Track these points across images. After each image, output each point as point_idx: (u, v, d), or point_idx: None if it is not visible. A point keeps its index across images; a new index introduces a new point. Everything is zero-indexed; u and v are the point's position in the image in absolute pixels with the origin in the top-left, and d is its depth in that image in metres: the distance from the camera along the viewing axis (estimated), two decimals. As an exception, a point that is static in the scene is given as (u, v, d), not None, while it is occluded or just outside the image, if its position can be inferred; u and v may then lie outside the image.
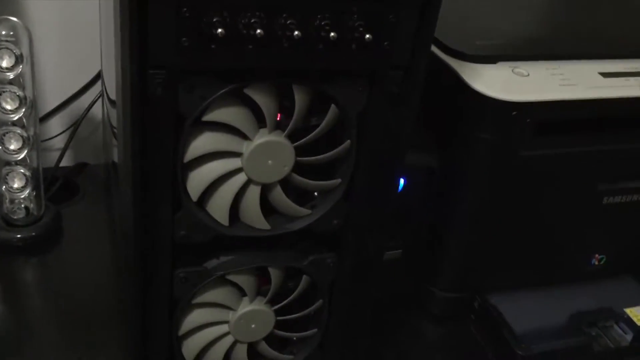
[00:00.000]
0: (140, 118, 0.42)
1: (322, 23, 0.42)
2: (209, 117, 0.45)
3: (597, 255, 0.75)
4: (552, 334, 0.70)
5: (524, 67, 0.64)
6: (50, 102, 0.92)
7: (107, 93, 0.69)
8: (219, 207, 0.49)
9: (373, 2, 0.43)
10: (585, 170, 0.67)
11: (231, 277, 0.53)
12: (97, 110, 0.93)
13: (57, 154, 0.91)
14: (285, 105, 0.47)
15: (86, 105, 0.92)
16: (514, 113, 0.61)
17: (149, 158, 0.45)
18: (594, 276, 0.77)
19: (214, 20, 0.40)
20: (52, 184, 0.85)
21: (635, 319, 0.72)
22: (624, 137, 0.67)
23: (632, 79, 0.66)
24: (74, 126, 0.90)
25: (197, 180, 0.48)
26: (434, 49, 0.67)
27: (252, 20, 0.41)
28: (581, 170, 0.67)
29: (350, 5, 0.42)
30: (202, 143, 0.46)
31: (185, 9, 0.39)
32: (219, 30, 0.40)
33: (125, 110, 0.42)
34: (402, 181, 0.66)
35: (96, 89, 0.93)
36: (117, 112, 0.49)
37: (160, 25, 0.39)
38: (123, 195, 0.53)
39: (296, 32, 0.41)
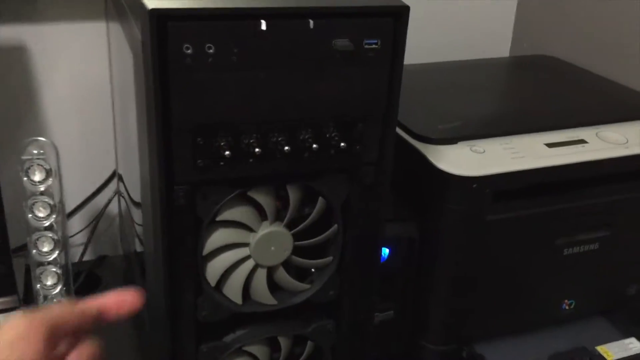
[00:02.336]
0: (168, 224, 0.53)
1: (306, 137, 0.53)
2: (221, 217, 0.56)
3: (566, 301, 0.84)
4: (533, 375, 0.79)
5: (480, 144, 0.76)
6: (70, 202, 1.02)
7: (128, 193, 0.80)
8: (233, 289, 0.59)
9: (344, 117, 0.54)
10: (544, 227, 0.78)
11: (247, 348, 0.62)
12: (112, 206, 1.03)
13: (77, 249, 1.01)
14: (282, 197, 0.58)
15: (102, 202, 1.03)
16: (474, 185, 0.72)
17: (175, 255, 0.55)
18: (567, 319, 0.86)
19: (222, 144, 0.51)
20: (77, 277, 0.95)
21: (606, 356, 0.80)
22: (572, 197, 0.78)
23: (572, 147, 0.78)
24: (94, 222, 1.01)
25: (214, 268, 0.58)
26: (403, 134, 0.79)
27: (251, 141, 0.52)
28: (540, 227, 0.77)
29: (327, 121, 0.54)
30: (217, 238, 0.57)
31: (199, 138, 0.50)
32: (226, 152, 0.51)
33: (155, 219, 0.53)
34: (387, 250, 0.76)
35: (111, 186, 1.04)
36: (145, 218, 0.59)
37: (182, 152, 0.51)
38: (151, 285, 0.63)
39: (286, 148, 0.52)
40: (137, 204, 0.70)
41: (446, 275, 0.78)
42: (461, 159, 0.73)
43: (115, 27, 0.73)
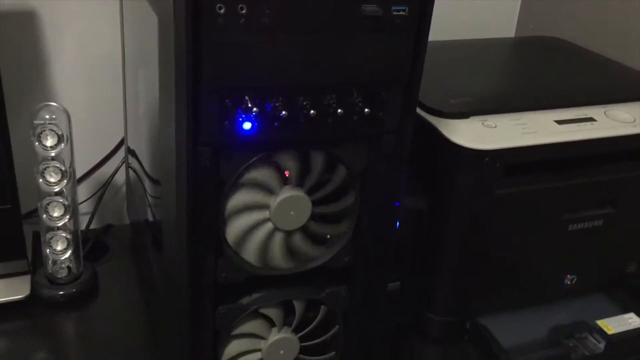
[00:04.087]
0: (192, 185, 0.54)
1: (331, 102, 0.54)
2: (244, 179, 0.56)
3: (569, 276, 0.86)
4: (534, 347, 0.80)
5: (492, 119, 0.77)
6: (77, 169, 1.02)
7: (141, 164, 0.80)
8: (251, 251, 0.60)
9: (369, 84, 0.55)
10: (551, 203, 0.79)
11: (262, 311, 0.63)
12: (118, 176, 1.04)
13: (83, 217, 1.01)
14: (303, 164, 0.59)
15: (108, 171, 1.03)
16: (486, 159, 0.73)
17: (197, 216, 0.56)
18: (568, 294, 0.88)
19: (249, 106, 0.52)
20: (84, 244, 0.95)
21: (606, 329, 0.82)
22: (579, 173, 0.79)
23: (582, 125, 0.79)
24: (101, 191, 1.01)
25: (234, 229, 0.58)
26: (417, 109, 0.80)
27: (277, 104, 0.53)
28: (547, 202, 0.79)
29: (351, 87, 0.54)
30: (240, 199, 0.57)
31: (227, 100, 0.51)
32: (253, 114, 0.51)
33: (180, 180, 0.54)
34: (396, 222, 0.77)
35: (118, 156, 1.04)
36: (167, 182, 0.60)
37: (209, 113, 0.51)
38: (168, 248, 0.63)
39: (312, 112, 0.53)
40: (150, 177, 0.70)
41: (453, 247, 0.79)
42: (473, 133, 0.74)
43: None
